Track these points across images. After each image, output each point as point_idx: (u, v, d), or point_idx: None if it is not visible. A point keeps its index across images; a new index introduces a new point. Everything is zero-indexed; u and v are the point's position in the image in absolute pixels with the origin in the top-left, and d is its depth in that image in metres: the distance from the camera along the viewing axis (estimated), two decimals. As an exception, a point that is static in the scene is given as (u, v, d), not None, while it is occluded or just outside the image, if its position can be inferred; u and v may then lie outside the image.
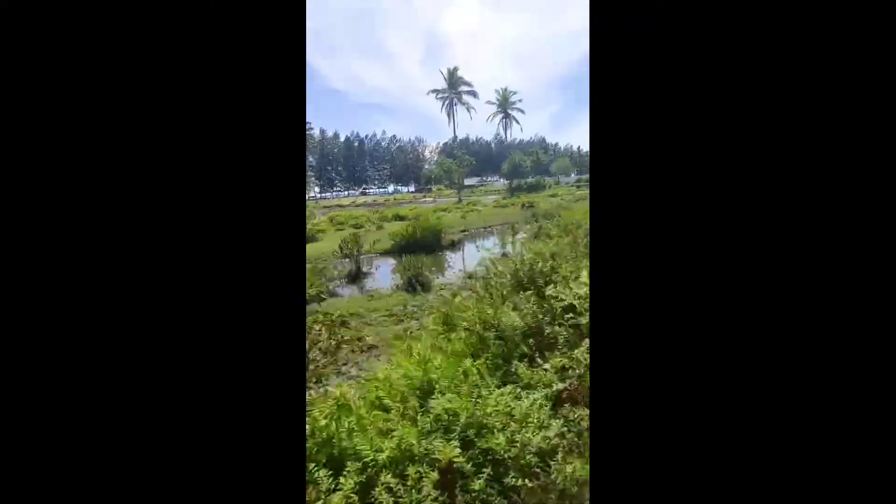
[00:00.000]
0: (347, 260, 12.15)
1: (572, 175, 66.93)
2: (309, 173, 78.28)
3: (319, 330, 6.12)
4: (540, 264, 4.39)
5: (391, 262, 12.85)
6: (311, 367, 4.90)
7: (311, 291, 8.62)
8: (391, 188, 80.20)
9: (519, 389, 2.80)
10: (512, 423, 2.41)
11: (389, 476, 2.17)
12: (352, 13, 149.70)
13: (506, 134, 44.16)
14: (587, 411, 2.41)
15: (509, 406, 2.55)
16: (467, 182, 72.78)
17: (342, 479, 2.19)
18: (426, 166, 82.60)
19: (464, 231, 19.94)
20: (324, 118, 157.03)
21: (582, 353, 2.83)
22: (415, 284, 9.16)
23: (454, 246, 15.75)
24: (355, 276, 11.46)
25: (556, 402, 2.67)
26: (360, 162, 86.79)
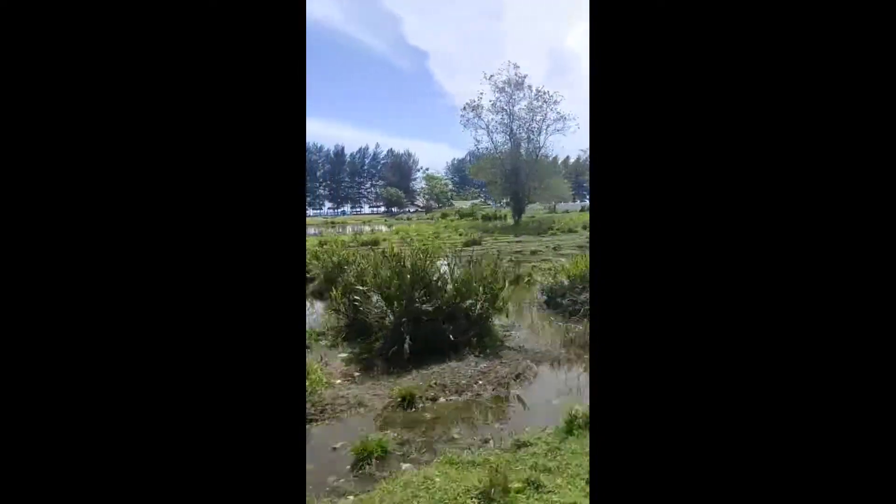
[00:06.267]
0: None
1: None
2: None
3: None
4: None
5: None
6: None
7: None
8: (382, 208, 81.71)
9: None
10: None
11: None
12: (477, 36, 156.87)
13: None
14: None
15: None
16: (459, 204, 71.96)
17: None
18: (411, 184, 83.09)
19: None
20: (442, 134, 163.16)
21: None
22: None
23: None
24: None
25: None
26: (354, 178, 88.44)
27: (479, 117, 32.91)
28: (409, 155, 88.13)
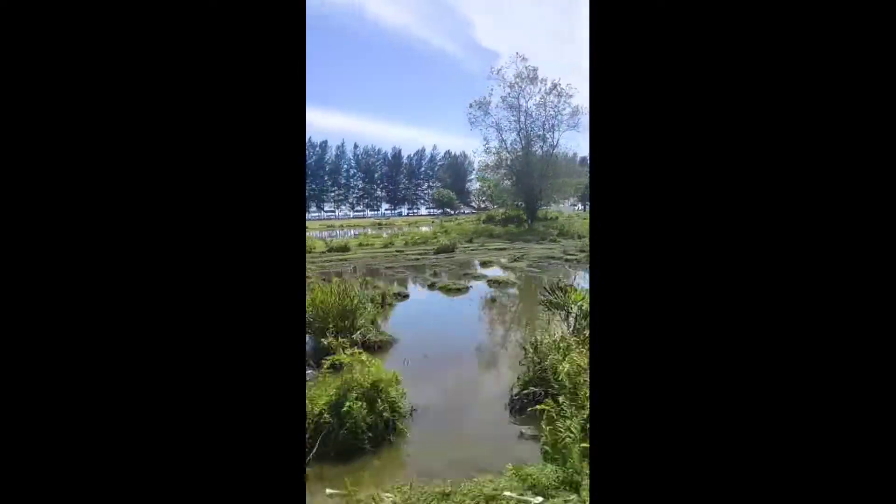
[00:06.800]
0: None
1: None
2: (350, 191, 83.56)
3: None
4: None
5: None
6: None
7: None
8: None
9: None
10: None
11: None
12: (551, 34, 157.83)
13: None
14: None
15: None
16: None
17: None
18: (467, 185, 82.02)
19: None
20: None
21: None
22: None
23: None
24: None
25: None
26: (411, 179, 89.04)
27: (488, 114, 30.87)
28: (465, 156, 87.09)
